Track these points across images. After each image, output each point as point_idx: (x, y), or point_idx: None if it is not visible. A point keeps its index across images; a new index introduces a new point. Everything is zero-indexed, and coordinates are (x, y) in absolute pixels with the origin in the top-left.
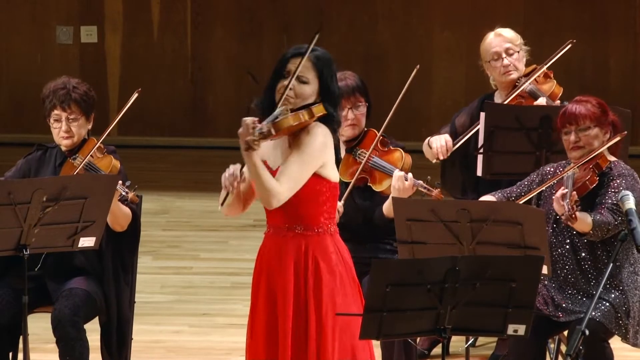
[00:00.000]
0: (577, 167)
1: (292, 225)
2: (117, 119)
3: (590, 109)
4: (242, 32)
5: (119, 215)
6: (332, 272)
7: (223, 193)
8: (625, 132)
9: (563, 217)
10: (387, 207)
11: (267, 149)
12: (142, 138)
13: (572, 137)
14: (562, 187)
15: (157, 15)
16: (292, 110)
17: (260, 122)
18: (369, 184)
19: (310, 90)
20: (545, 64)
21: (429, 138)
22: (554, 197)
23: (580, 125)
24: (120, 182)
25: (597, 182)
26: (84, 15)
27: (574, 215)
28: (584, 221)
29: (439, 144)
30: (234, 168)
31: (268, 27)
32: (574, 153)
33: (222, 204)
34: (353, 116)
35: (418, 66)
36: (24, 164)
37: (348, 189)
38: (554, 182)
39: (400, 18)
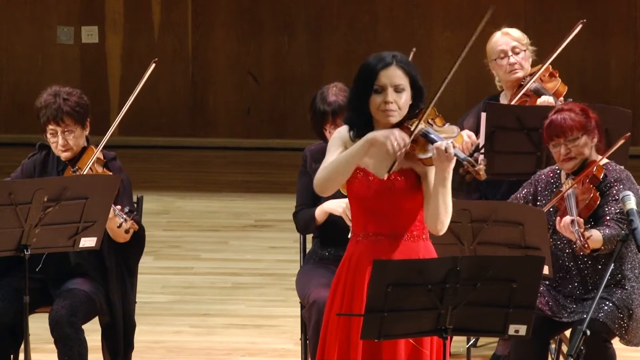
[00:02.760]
0: (574, 180)
1: (412, 231)
2: (133, 96)
3: (575, 118)
4: (242, 32)
5: (118, 236)
6: None
7: (389, 161)
8: (629, 134)
9: (576, 247)
10: None
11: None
12: (142, 138)
13: (562, 150)
14: (566, 209)
15: (158, 15)
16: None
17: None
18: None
19: (407, 96)
20: (556, 50)
21: None
22: (561, 224)
23: (569, 136)
24: (119, 207)
25: (599, 198)
26: (84, 15)
27: (587, 245)
28: (595, 240)
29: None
30: (402, 135)
31: (268, 27)
32: (566, 165)
33: (389, 171)
34: None
35: (414, 49)
36: (29, 164)
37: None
38: (553, 191)
39: (400, 18)
